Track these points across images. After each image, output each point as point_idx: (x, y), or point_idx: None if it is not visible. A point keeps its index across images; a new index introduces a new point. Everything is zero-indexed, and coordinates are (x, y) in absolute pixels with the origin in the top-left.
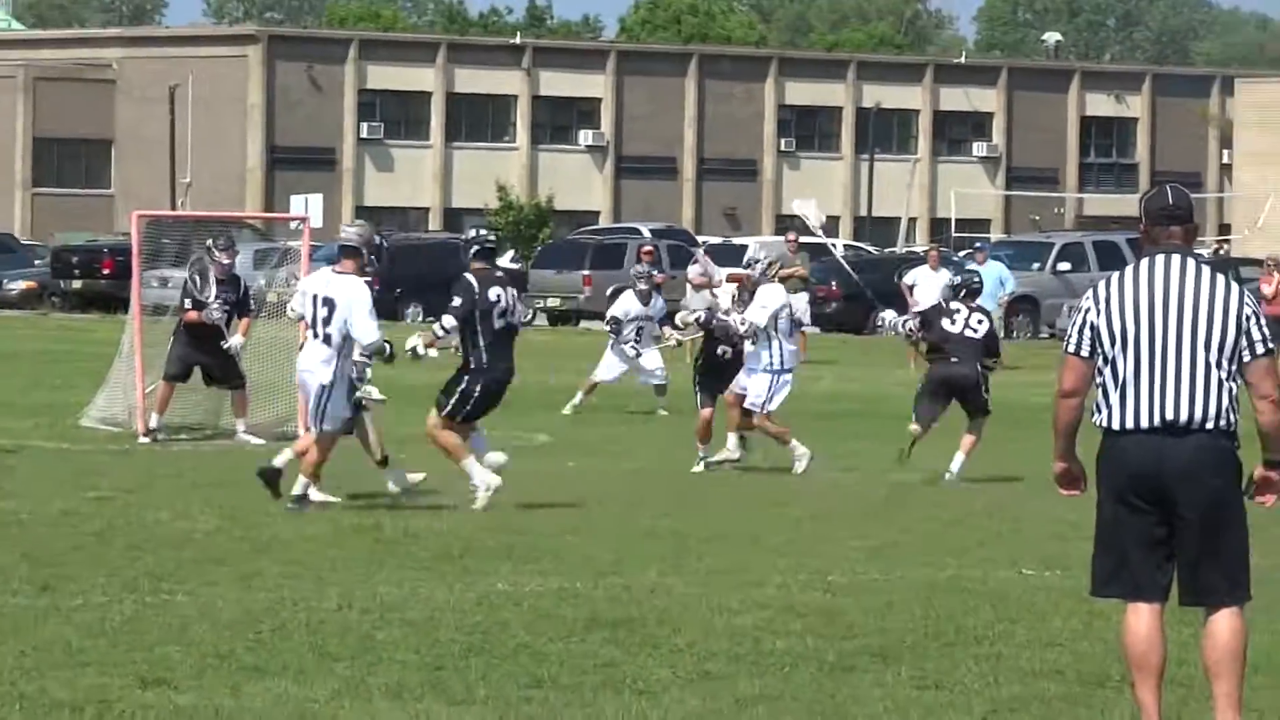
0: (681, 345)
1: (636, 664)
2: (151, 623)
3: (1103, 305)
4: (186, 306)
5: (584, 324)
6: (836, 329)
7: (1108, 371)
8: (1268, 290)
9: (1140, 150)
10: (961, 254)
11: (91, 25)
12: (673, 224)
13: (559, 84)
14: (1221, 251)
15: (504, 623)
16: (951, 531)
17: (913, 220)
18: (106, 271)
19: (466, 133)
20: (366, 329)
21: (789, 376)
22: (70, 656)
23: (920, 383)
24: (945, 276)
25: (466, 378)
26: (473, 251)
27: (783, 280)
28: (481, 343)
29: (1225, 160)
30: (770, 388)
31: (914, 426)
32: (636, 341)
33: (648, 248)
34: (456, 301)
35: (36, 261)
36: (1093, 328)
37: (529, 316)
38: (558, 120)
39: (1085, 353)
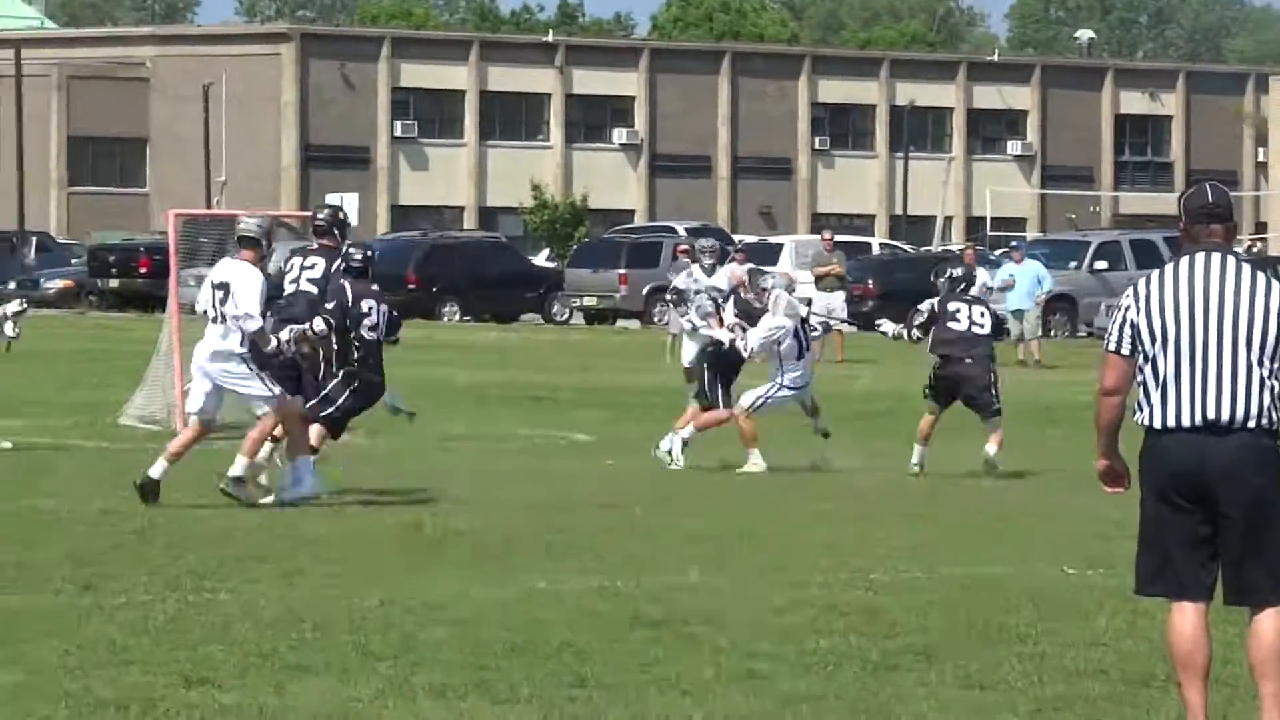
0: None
1: (680, 663)
2: (194, 621)
3: (1143, 303)
4: None
5: (620, 323)
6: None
7: (1148, 370)
8: None
9: (1175, 148)
10: (998, 252)
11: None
12: (708, 222)
13: (592, 82)
14: (1256, 249)
15: (546, 621)
16: (994, 530)
17: (948, 219)
18: (143, 270)
19: (500, 131)
20: (244, 303)
21: (790, 393)
22: (114, 655)
23: (931, 381)
24: (982, 275)
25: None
26: (343, 269)
27: (819, 279)
28: (359, 352)
29: (1260, 158)
30: (767, 393)
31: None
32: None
33: (683, 246)
34: (330, 306)
35: (73, 260)
36: (1133, 326)
37: (565, 316)
38: (592, 118)
39: (1126, 351)
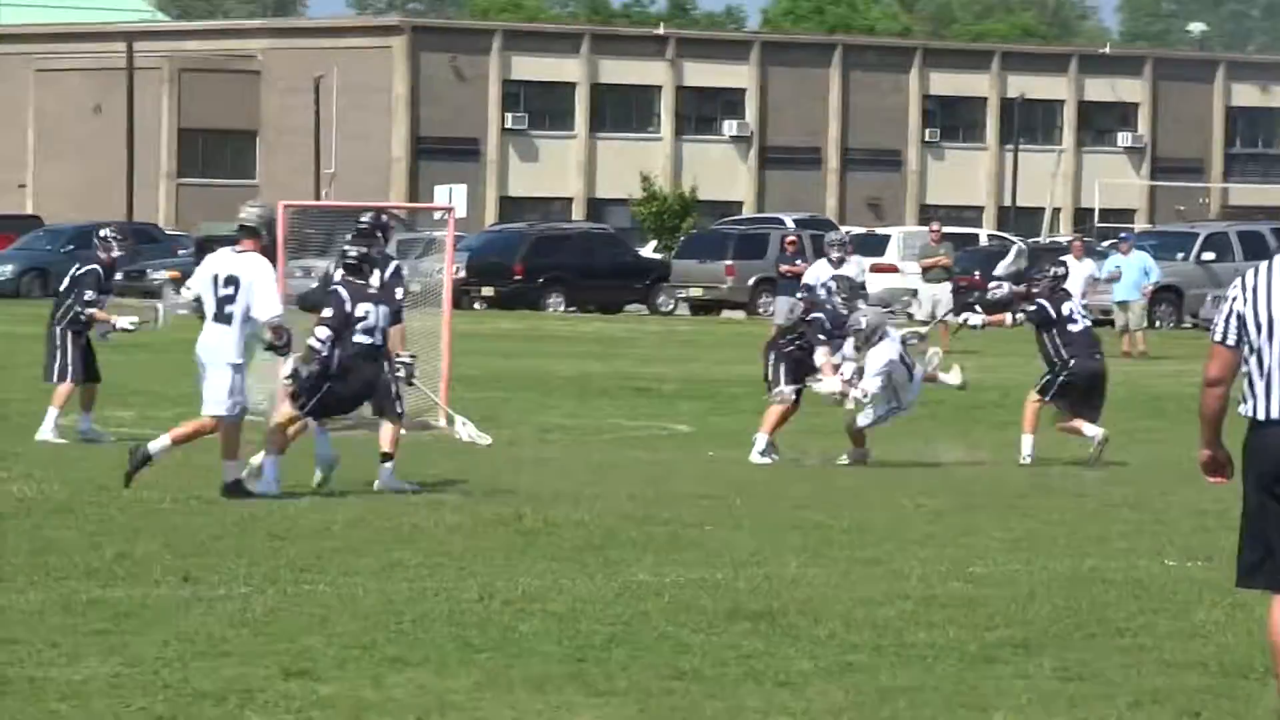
0: None
1: (778, 655)
2: (293, 613)
3: (1249, 294)
4: None
5: (726, 314)
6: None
7: (1253, 361)
8: None
9: None
10: (1106, 244)
11: (235, 17)
12: (816, 214)
13: (703, 74)
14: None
15: (645, 613)
16: (1093, 522)
17: (1057, 210)
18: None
19: (611, 123)
20: (268, 304)
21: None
22: (213, 646)
23: (1059, 383)
24: (1089, 266)
25: (320, 375)
26: (341, 268)
27: (926, 270)
28: (347, 351)
29: None
30: (881, 416)
31: (1092, 430)
32: None
33: (791, 238)
34: (328, 313)
35: (180, 251)
36: (1239, 317)
37: (670, 307)
38: (702, 111)
39: (1231, 342)
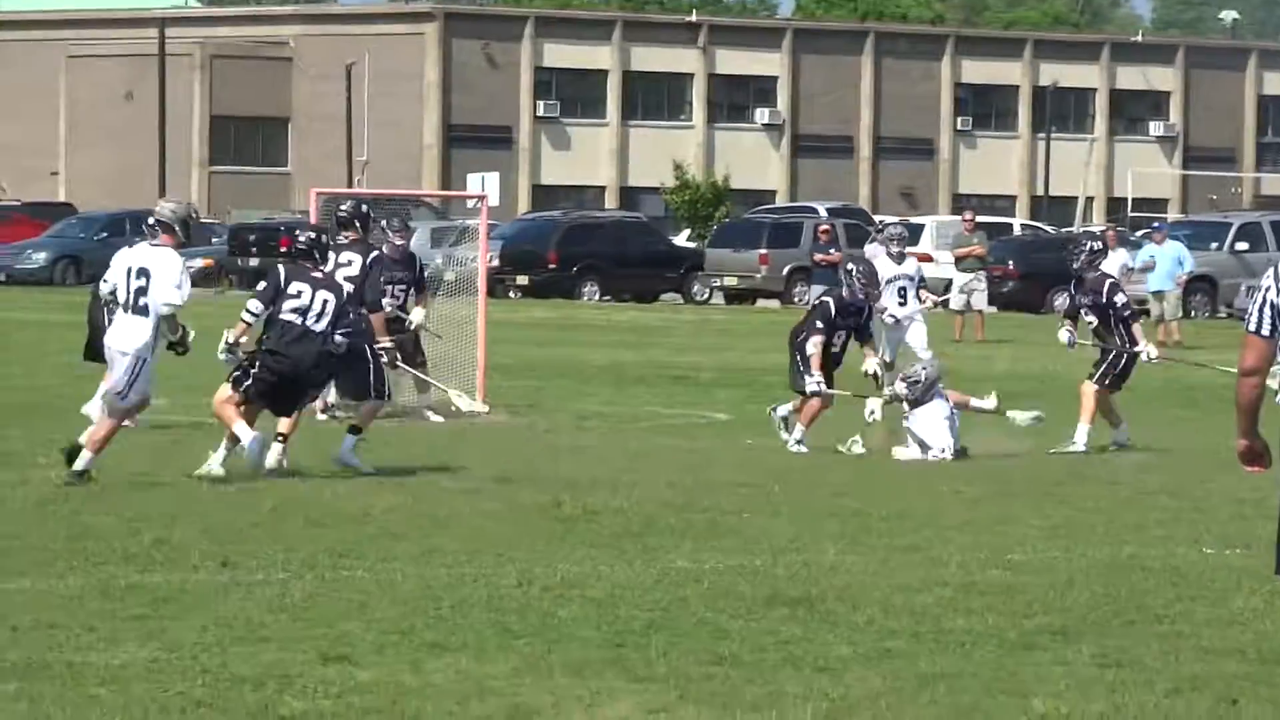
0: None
1: (817, 641)
2: (332, 598)
3: None
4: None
5: (760, 302)
6: (1017, 309)
7: None
8: None
9: None
10: (1139, 233)
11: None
12: (849, 203)
13: (735, 62)
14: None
15: (684, 599)
16: (1131, 509)
17: (1089, 200)
18: (283, 249)
19: (643, 111)
20: (164, 295)
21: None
22: (251, 631)
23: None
24: (1123, 255)
25: (257, 357)
26: (293, 252)
27: (960, 259)
28: (271, 330)
29: None
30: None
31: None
32: (901, 303)
33: (824, 226)
34: (261, 286)
35: (213, 239)
36: (1273, 306)
37: (705, 296)
38: (734, 99)
39: (1266, 331)
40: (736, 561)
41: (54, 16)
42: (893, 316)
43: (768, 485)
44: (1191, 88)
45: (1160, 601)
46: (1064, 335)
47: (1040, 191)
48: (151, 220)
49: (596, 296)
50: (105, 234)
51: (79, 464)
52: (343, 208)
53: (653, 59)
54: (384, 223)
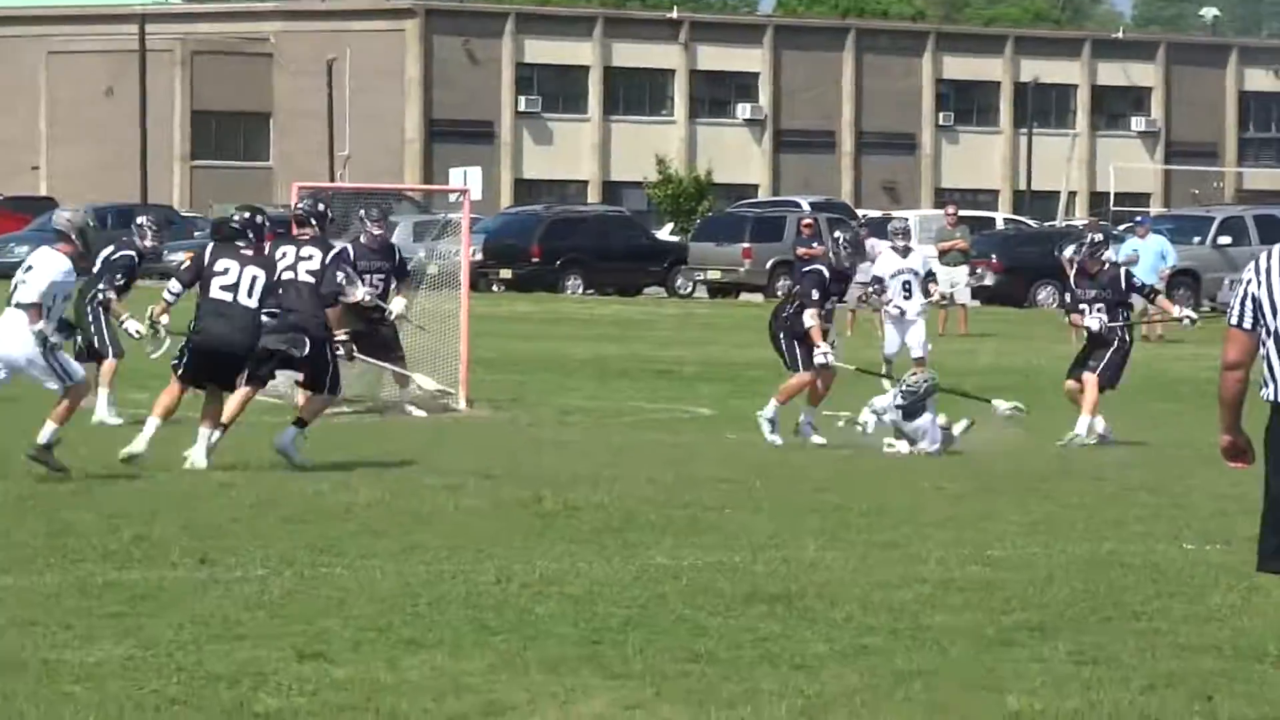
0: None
1: (794, 638)
2: (310, 595)
3: (1264, 276)
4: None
5: (744, 296)
6: (1000, 303)
7: (1271, 344)
8: None
9: None
10: (1122, 228)
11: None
12: (831, 197)
13: (716, 58)
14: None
15: (663, 596)
16: (1111, 506)
17: (1072, 194)
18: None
19: (625, 106)
20: (28, 290)
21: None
22: (228, 629)
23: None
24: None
25: (187, 337)
26: (226, 232)
27: (943, 254)
28: (201, 308)
29: None
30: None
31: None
32: (906, 296)
33: (807, 220)
34: (184, 265)
35: (196, 233)
36: (1254, 300)
37: (689, 290)
38: (716, 94)
39: (1248, 325)
40: (716, 558)
41: (34, 12)
42: (899, 308)
43: (749, 480)
44: (1173, 83)
45: (1138, 598)
46: (1093, 322)
47: (1023, 186)
48: (51, 228)
49: (580, 290)
50: None
51: (42, 436)
52: (299, 205)
53: (634, 55)
54: (361, 212)
